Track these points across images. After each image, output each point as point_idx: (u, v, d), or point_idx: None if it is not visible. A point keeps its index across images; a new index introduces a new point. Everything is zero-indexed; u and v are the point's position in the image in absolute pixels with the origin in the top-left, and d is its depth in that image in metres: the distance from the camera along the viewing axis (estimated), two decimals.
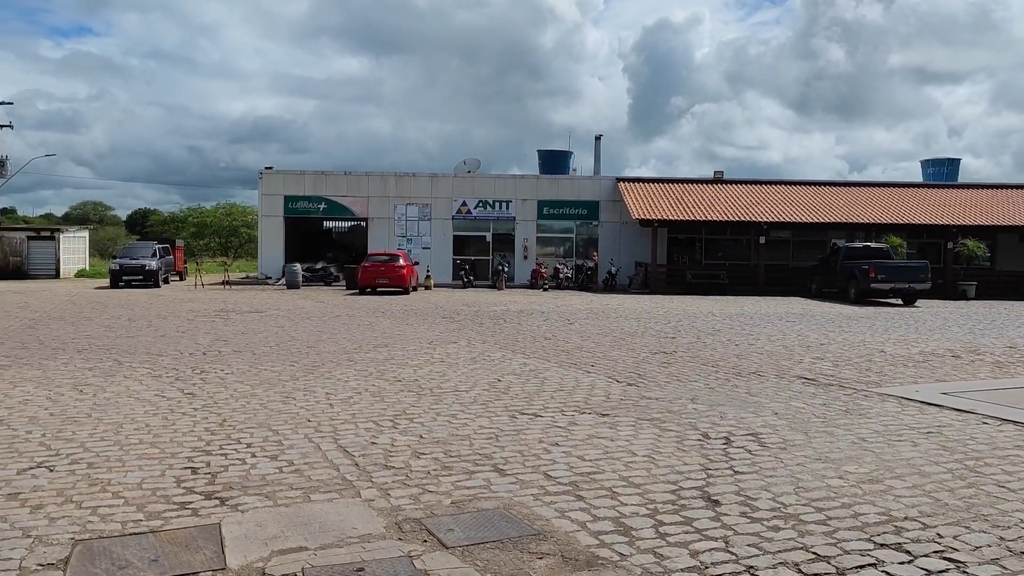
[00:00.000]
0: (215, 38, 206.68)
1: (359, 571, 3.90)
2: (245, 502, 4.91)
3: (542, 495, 5.10)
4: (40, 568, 3.90)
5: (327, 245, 40.75)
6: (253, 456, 6.00)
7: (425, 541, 4.30)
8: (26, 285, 31.58)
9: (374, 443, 6.42)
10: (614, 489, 5.22)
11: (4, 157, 43.12)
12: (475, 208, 35.54)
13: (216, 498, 4.98)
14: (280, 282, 32.71)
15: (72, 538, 4.29)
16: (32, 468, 5.60)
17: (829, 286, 28.66)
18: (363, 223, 36.39)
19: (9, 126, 43.65)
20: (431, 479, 5.44)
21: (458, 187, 35.83)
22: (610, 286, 32.74)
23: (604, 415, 7.58)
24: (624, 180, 36.30)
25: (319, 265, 35.21)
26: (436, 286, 32.11)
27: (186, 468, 5.65)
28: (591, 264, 34.56)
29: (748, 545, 4.24)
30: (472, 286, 32.64)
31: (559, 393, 8.74)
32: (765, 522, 4.59)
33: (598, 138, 42.60)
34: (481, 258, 35.39)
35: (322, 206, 35.45)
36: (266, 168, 35.75)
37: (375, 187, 35.44)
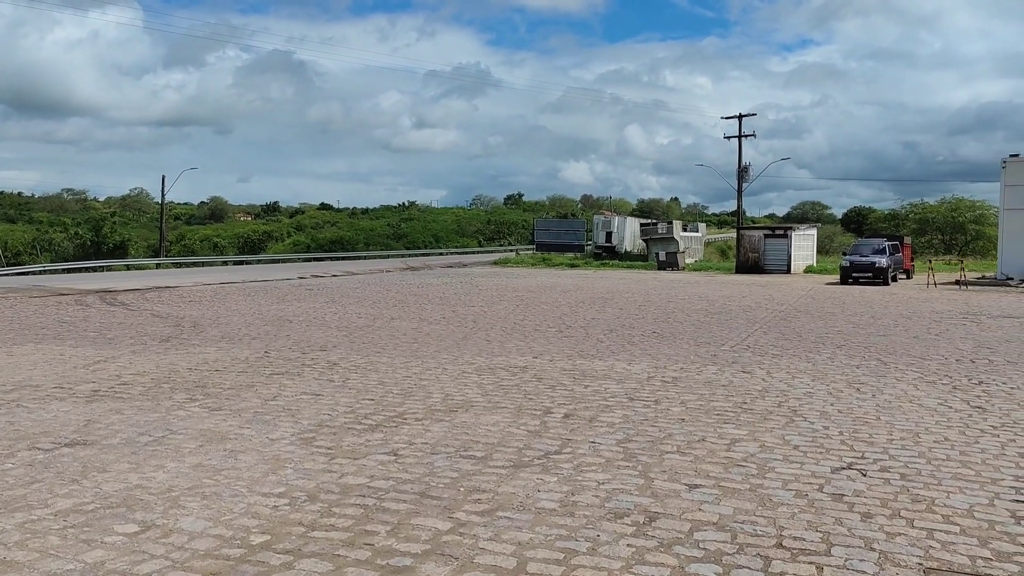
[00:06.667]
0: (935, 28, 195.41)
1: None
2: None
3: None
4: None
5: None
6: None
7: None
8: (764, 279, 34.34)
9: None
10: None
11: (747, 164, 47.90)
12: None
13: None
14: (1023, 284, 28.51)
15: (920, 563, 3.90)
16: (844, 469, 5.49)
17: None
18: None
19: (752, 135, 48.35)
20: None
21: None
22: None
23: None
24: None
25: None
26: None
27: (1016, 501, 4.82)
28: None
29: None
30: None
31: None
32: None
33: None
34: None
35: None
36: (1011, 156, 31.44)
37: None
